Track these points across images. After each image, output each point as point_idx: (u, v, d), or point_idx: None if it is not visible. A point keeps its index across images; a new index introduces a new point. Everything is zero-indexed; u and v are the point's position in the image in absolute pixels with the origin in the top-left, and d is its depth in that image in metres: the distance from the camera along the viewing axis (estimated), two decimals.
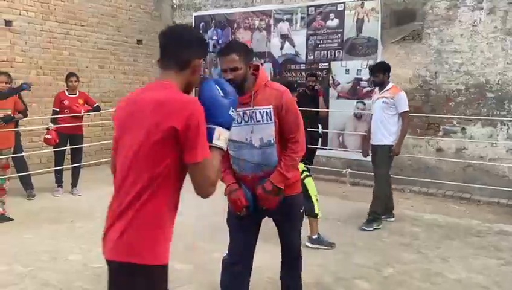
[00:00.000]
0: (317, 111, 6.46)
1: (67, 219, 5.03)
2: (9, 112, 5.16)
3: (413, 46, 7.02)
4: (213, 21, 9.12)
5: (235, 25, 8.82)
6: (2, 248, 4.10)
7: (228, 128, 1.72)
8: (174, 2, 9.80)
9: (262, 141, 2.47)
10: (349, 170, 6.74)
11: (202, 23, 9.25)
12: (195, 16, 9.34)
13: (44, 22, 7.48)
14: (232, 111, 1.73)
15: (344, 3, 7.45)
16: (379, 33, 7.20)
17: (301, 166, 4.08)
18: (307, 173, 4.28)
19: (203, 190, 1.62)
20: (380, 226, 4.92)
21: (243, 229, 2.61)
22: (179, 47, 1.71)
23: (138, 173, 1.59)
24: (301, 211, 2.74)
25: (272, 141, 2.47)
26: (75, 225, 4.86)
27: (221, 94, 1.73)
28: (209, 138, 1.66)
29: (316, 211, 4.25)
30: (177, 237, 4.61)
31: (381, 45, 7.20)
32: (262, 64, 8.33)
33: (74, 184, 6.33)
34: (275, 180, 2.45)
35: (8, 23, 6.95)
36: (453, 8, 6.72)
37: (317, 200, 4.28)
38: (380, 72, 5.03)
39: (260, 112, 2.44)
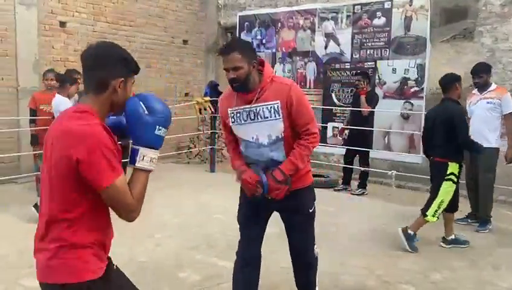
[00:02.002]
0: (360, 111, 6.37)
1: (113, 214, 5.18)
2: None
3: (464, 45, 6.75)
4: (257, 21, 9.15)
5: (279, 24, 8.80)
6: None
7: (155, 148, 1.63)
8: (220, 2, 9.91)
9: (270, 138, 2.43)
10: (395, 172, 6.56)
11: (246, 23, 9.30)
12: (239, 16, 9.41)
13: (95, 23, 7.76)
14: (159, 130, 1.62)
15: (392, 1, 7.28)
16: (428, 31, 6.98)
17: (453, 168, 4.04)
18: (453, 178, 4.14)
19: (122, 215, 1.58)
20: (491, 226, 4.92)
21: (250, 227, 2.66)
22: (93, 69, 1.62)
23: (51, 206, 1.57)
24: (311, 209, 2.59)
25: (280, 137, 2.42)
26: (120, 219, 4.99)
27: (146, 112, 1.62)
28: (132, 160, 1.61)
29: (429, 213, 4.21)
30: (218, 234, 4.70)
31: (430, 44, 6.98)
32: (305, 63, 8.29)
33: None
34: (285, 168, 2.39)
35: (62, 24, 7.27)
36: (508, 4, 6.41)
37: (439, 206, 4.18)
38: (484, 73, 4.95)
39: (268, 108, 2.38)
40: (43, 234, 1.60)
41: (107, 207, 1.62)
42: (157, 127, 1.62)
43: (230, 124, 2.53)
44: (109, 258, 1.75)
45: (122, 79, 1.62)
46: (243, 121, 2.44)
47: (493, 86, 4.97)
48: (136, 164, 1.61)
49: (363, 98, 6.36)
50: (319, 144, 2.62)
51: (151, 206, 5.54)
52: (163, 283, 3.42)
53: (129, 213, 1.58)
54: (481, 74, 4.94)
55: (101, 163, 1.48)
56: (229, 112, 2.51)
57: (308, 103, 2.49)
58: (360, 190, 6.50)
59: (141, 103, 1.63)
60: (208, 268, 3.72)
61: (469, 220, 5.19)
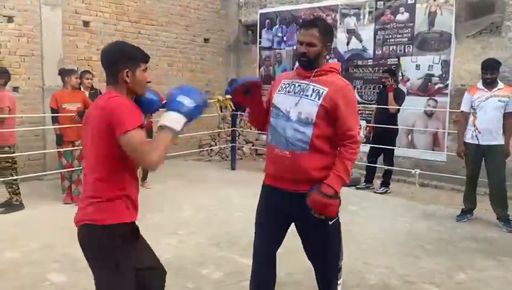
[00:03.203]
0: (387, 109, 6.27)
1: (138, 211, 5.25)
2: (79, 106, 5.57)
3: (491, 40, 6.59)
4: (278, 18, 9.13)
5: (300, 21, 8.76)
6: None
7: (179, 112, 1.89)
8: (240, 0, 9.91)
9: (299, 116, 2.32)
10: (418, 170, 6.47)
11: (267, 20, 9.29)
12: (260, 13, 9.40)
13: (118, 22, 7.86)
14: (182, 97, 1.91)
15: None
16: (453, 27, 6.85)
17: None
18: None
19: (139, 161, 1.86)
20: None
21: (266, 236, 2.57)
22: (106, 67, 2.00)
23: (89, 158, 1.97)
24: (331, 222, 2.37)
25: (310, 120, 2.30)
26: (145, 216, 5.06)
27: (178, 89, 1.98)
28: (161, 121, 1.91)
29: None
30: (240, 231, 4.71)
31: (455, 39, 6.84)
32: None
33: (144, 177, 6.60)
34: (334, 184, 2.26)
35: (85, 24, 7.38)
36: None
37: None
38: (497, 70, 4.89)
39: (314, 89, 2.33)
40: (83, 196, 1.98)
41: (132, 167, 1.98)
42: (180, 95, 1.93)
43: (275, 94, 2.49)
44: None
45: (127, 70, 1.95)
46: (287, 92, 2.42)
47: (501, 84, 4.89)
48: (158, 123, 1.89)
49: (391, 95, 6.23)
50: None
51: (175, 204, 5.61)
52: (186, 279, 3.45)
53: (144, 159, 1.81)
54: (495, 70, 4.85)
55: (123, 114, 1.82)
56: (282, 82, 2.49)
57: (356, 111, 2.39)
58: (383, 188, 6.43)
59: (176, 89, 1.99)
60: (230, 265, 3.73)
61: (468, 216, 5.12)
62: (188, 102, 1.90)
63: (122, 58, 1.96)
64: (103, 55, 2.00)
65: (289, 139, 2.35)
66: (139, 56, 2.02)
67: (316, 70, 2.36)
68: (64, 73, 5.77)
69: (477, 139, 4.90)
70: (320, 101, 2.29)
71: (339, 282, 2.57)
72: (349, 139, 2.31)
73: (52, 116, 5.71)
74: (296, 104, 2.35)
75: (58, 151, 5.73)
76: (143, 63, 2.03)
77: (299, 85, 2.39)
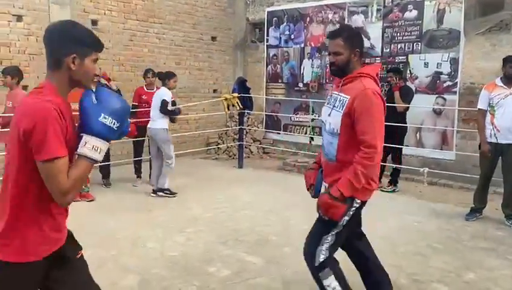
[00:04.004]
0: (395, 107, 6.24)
1: (146, 208, 5.28)
2: None
3: (501, 37, 6.53)
4: (285, 16, 9.11)
5: (308, 19, 8.74)
6: (89, 232, 4.39)
7: (100, 136, 1.62)
8: None
9: (330, 126, 2.47)
10: (427, 169, 6.42)
11: (275, 18, 9.28)
12: (268, 11, 9.39)
13: (126, 21, 7.89)
14: (105, 118, 1.61)
15: None
16: (462, 24, 6.80)
17: None
18: None
19: (55, 196, 1.57)
20: None
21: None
22: (49, 46, 1.67)
23: (10, 171, 1.62)
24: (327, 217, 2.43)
25: (335, 131, 2.42)
26: (152, 214, 5.09)
27: (94, 101, 1.64)
28: (76, 146, 1.62)
29: None
30: (247, 230, 4.71)
31: (464, 37, 6.78)
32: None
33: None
34: (340, 185, 2.32)
35: (94, 22, 7.41)
36: None
37: None
38: None
39: (340, 99, 2.43)
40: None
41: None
42: (102, 114, 1.62)
43: (325, 105, 2.63)
44: (69, 247, 1.78)
45: (74, 55, 1.63)
46: (327, 104, 2.56)
47: None
48: (78, 150, 1.62)
49: (397, 94, 6.21)
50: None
51: (182, 201, 5.63)
52: (193, 277, 3.46)
53: (60, 194, 1.56)
54: None
55: (44, 137, 1.50)
56: (329, 95, 2.65)
57: (377, 115, 2.34)
58: (391, 187, 6.40)
59: (93, 95, 1.67)
60: (237, 263, 3.73)
61: (477, 215, 5.05)
62: (111, 123, 1.63)
63: (70, 42, 1.64)
64: (48, 33, 1.66)
65: (325, 148, 2.52)
66: (93, 43, 1.70)
67: (344, 78, 2.45)
68: None
69: (496, 138, 4.78)
70: (343, 110, 2.38)
71: (326, 284, 2.48)
72: (362, 143, 2.32)
73: None
74: (329, 114, 2.48)
75: None
76: (95, 51, 1.71)
77: (333, 95, 2.52)
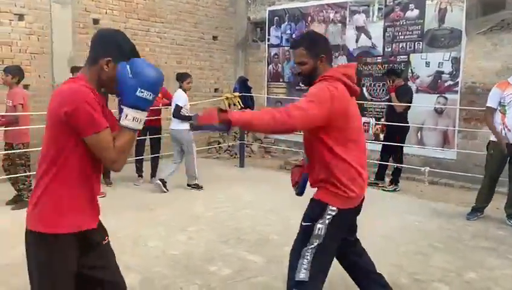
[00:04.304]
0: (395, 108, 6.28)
1: (147, 207, 5.28)
2: None
3: (502, 37, 6.53)
4: (287, 15, 9.11)
5: (309, 19, 8.74)
6: None
7: (139, 108, 1.76)
8: None
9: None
10: (428, 168, 6.43)
11: (276, 18, 9.28)
12: (269, 11, 9.39)
13: (127, 20, 7.89)
14: (141, 92, 1.74)
15: None
16: (463, 23, 6.79)
17: None
18: None
19: (106, 164, 1.77)
20: None
21: None
22: (92, 46, 1.85)
23: (46, 151, 1.78)
24: (304, 222, 2.29)
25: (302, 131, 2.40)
26: (154, 213, 5.10)
27: (130, 75, 1.75)
28: (119, 118, 1.78)
29: None
30: (249, 228, 4.71)
31: (466, 36, 6.78)
32: (336, 57, 8.18)
33: (153, 174, 6.64)
34: (236, 112, 2.07)
35: (95, 21, 7.42)
36: None
37: None
38: None
39: None
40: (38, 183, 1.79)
41: (92, 161, 1.78)
42: (139, 89, 1.74)
43: None
44: (97, 232, 1.90)
45: (109, 59, 1.79)
46: None
47: None
48: (120, 122, 1.77)
49: (392, 95, 6.32)
50: None
51: (183, 200, 5.63)
52: (195, 276, 3.46)
53: (109, 162, 1.75)
54: None
55: (85, 114, 1.67)
56: None
57: (316, 101, 2.12)
58: (392, 186, 6.40)
59: (128, 67, 1.77)
60: (238, 262, 3.74)
61: (478, 214, 5.04)
62: (147, 95, 1.76)
63: (109, 46, 1.82)
64: (93, 38, 1.87)
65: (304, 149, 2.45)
66: (130, 52, 1.85)
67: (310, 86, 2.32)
68: (73, 71, 5.83)
69: (507, 138, 4.70)
70: None
71: None
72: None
73: None
74: None
75: None
76: None
77: None
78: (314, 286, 2.24)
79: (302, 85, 2.52)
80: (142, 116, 1.78)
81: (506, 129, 4.72)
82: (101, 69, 1.81)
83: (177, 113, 5.95)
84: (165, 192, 5.99)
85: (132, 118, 1.76)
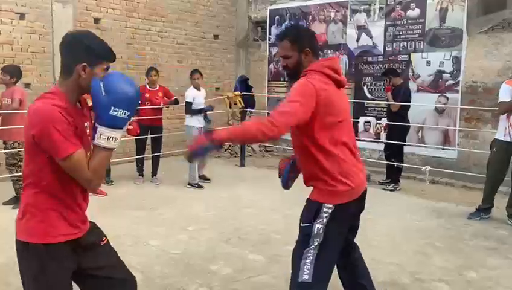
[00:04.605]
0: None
1: (148, 206, 5.29)
2: None
3: (503, 36, 6.52)
4: (288, 14, 9.10)
5: (310, 18, 8.73)
6: None
7: (114, 127, 1.70)
8: None
9: None
10: (429, 167, 6.43)
11: (277, 17, 9.27)
12: (270, 10, 9.38)
13: (128, 19, 7.89)
14: (115, 110, 1.68)
15: None
16: (465, 23, 6.79)
17: None
18: None
19: (82, 184, 1.75)
20: None
21: None
22: (62, 54, 1.78)
23: (26, 164, 1.77)
24: (303, 224, 2.25)
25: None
26: (154, 212, 5.10)
27: (103, 93, 1.68)
28: (92, 137, 1.74)
29: None
30: (250, 228, 4.71)
31: (467, 36, 6.77)
32: (337, 56, 8.18)
33: (154, 173, 6.64)
34: (219, 133, 2.09)
35: (96, 21, 7.42)
36: None
37: None
38: None
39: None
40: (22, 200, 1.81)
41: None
42: (113, 108, 1.68)
43: None
44: (93, 234, 1.92)
45: (85, 64, 1.72)
46: None
47: None
48: (94, 141, 1.73)
49: (388, 94, 6.41)
50: None
51: (184, 199, 5.64)
52: (196, 275, 3.47)
53: (84, 182, 1.73)
54: None
55: (52, 139, 1.62)
56: None
57: (294, 98, 2.11)
58: (392, 185, 6.40)
59: (101, 84, 1.70)
60: (239, 261, 3.74)
61: (482, 214, 5.02)
62: (122, 114, 1.70)
63: (81, 51, 1.73)
64: (60, 44, 1.78)
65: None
66: (103, 52, 1.77)
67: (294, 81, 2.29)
68: None
69: (510, 137, 4.68)
70: None
71: None
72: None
73: None
74: None
75: None
76: (106, 61, 1.79)
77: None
78: (318, 287, 2.22)
79: (289, 79, 2.44)
80: (117, 134, 1.73)
81: (510, 128, 4.70)
82: (78, 77, 1.73)
83: (186, 110, 6.37)
84: (202, 187, 6.31)
85: (107, 137, 1.70)
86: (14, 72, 5.21)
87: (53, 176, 1.72)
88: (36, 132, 1.63)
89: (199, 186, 6.28)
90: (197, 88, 6.46)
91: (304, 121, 2.12)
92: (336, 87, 2.27)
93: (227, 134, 2.08)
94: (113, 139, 1.72)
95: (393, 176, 6.45)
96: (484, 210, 5.04)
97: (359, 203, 2.35)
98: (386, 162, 6.60)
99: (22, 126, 5.30)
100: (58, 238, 1.75)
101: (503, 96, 4.73)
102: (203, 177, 6.58)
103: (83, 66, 1.72)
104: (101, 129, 1.70)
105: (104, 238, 1.98)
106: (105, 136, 1.70)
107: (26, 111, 5.27)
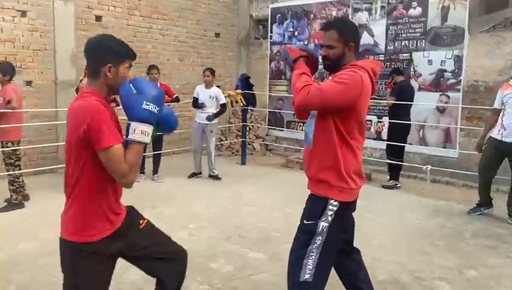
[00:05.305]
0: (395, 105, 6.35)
1: (149, 204, 5.29)
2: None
3: (505, 35, 6.51)
4: (289, 12, 9.09)
5: (312, 16, 8.73)
6: None
7: (146, 121, 1.83)
8: None
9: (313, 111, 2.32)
10: (430, 166, 6.42)
11: (278, 15, 9.27)
12: (271, 8, 9.38)
13: (129, 17, 7.89)
14: (147, 104, 1.82)
15: None
16: (466, 21, 6.77)
17: None
18: None
19: (116, 179, 1.84)
20: None
21: None
22: (88, 59, 1.94)
23: (70, 166, 1.88)
24: (306, 221, 2.25)
25: (314, 114, 2.27)
26: (155, 209, 5.11)
27: (134, 91, 1.84)
28: (127, 133, 1.85)
29: None
30: (250, 226, 4.71)
31: (469, 34, 6.76)
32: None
33: (155, 171, 6.65)
34: (299, 65, 2.31)
35: (98, 18, 7.43)
36: None
37: None
38: None
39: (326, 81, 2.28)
40: (66, 197, 1.92)
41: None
42: (144, 102, 1.82)
43: None
44: (131, 218, 2.09)
45: (110, 65, 1.89)
46: None
47: None
48: (129, 136, 1.83)
49: (387, 91, 6.55)
50: None
51: (185, 197, 5.64)
52: (196, 273, 3.47)
53: (120, 176, 1.81)
54: None
55: (98, 130, 1.75)
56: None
57: (343, 84, 2.11)
58: (392, 181, 6.43)
59: (131, 85, 1.86)
60: (240, 259, 3.75)
61: (482, 209, 5.09)
62: (152, 108, 1.85)
63: (105, 53, 1.90)
64: (85, 50, 1.94)
65: (306, 134, 2.35)
66: (124, 52, 1.95)
67: (335, 72, 2.27)
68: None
69: (501, 136, 4.80)
70: None
71: None
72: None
73: None
74: None
75: None
76: (128, 59, 1.97)
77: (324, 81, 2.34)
78: (318, 286, 2.21)
79: (325, 70, 2.39)
80: (149, 129, 1.84)
81: (502, 128, 4.81)
82: (105, 78, 1.90)
83: (193, 104, 6.75)
84: (220, 179, 6.62)
85: (140, 132, 1.82)
86: (7, 70, 5.07)
87: (97, 174, 1.83)
88: (87, 125, 1.74)
89: (217, 178, 6.62)
90: (207, 85, 6.64)
91: (340, 106, 2.14)
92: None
93: (299, 71, 2.25)
94: (146, 134, 1.84)
95: (393, 173, 6.46)
96: (484, 205, 5.09)
97: (355, 203, 2.37)
98: (387, 161, 6.60)
99: (17, 125, 5.17)
100: (96, 236, 1.88)
101: (495, 103, 4.98)
102: (193, 174, 6.80)
103: (108, 67, 1.88)
104: (134, 124, 1.82)
105: (142, 221, 2.16)
106: (138, 131, 1.82)
107: (21, 110, 5.30)
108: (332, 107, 2.14)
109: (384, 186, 6.37)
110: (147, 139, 1.85)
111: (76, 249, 1.88)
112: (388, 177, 6.55)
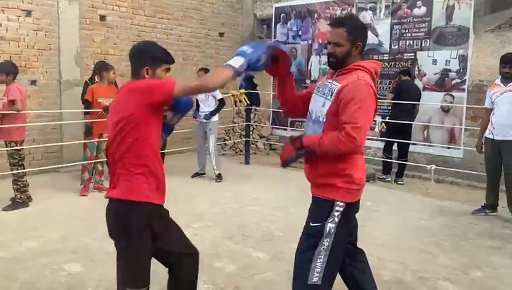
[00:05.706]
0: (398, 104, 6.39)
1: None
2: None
3: (510, 35, 6.48)
4: (293, 12, 9.09)
5: (316, 15, 8.72)
6: (95, 227, 4.43)
7: (242, 56, 2.05)
8: None
9: (315, 115, 2.28)
10: (434, 166, 6.40)
11: (282, 15, 9.26)
12: (275, 7, 9.37)
13: (134, 16, 7.91)
14: (249, 51, 2.07)
15: None
16: (471, 21, 6.74)
17: None
18: None
19: (200, 90, 2.15)
20: None
21: None
22: (131, 62, 2.21)
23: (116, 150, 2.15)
24: (313, 224, 2.22)
25: (321, 120, 2.22)
26: None
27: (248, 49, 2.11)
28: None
29: None
30: (254, 225, 4.71)
31: (474, 34, 6.73)
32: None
33: None
34: (306, 138, 2.20)
35: (102, 18, 7.44)
36: None
37: None
38: None
39: (330, 87, 2.23)
40: (112, 170, 2.21)
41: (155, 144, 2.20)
42: (244, 46, 2.13)
43: (314, 92, 2.39)
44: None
45: (147, 68, 2.15)
46: (318, 91, 2.33)
47: None
48: (229, 62, 2.06)
49: (391, 89, 6.62)
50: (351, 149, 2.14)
51: (189, 197, 5.65)
52: (200, 271, 3.45)
53: (201, 84, 2.11)
54: None
55: (159, 84, 2.04)
56: (318, 83, 2.41)
57: (364, 107, 2.11)
58: (388, 176, 6.58)
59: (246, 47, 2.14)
60: (244, 258, 3.75)
61: (487, 211, 5.09)
62: (248, 50, 2.07)
63: (143, 57, 2.16)
64: (129, 53, 2.22)
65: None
66: (162, 57, 2.21)
67: (340, 70, 2.25)
68: (102, 68, 5.80)
69: (493, 134, 4.89)
70: (331, 99, 2.19)
71: None
72: (342, 129, 2.09)
73: (84, 108, 5.82)
74: (316, 103, 2.30)
75: (84, 143, 5.79)
76: (165, 64, 2.21)
77: (325, 84, 2.31)
78: (325, 289, 2.20)
79: (329, 67, 2.36)
80: (241, 60, 2.04)
81: (492, 126, 4.89)
82: (144, 78, 2.15)
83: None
84: (221, 178, 6.61)
85: (235, 61, 2.03)
86: (10, 70, 5.06)
87: (147, 141, 2.12)
88: (144, 91, 2.02)
89: (219, 177, 6.60)
90: None
91: (370, 123, 2.23)
92: None
93: (309, 143, 2.21)
94: (238, 62, 2.04)
95: (385, 168, 6.61)
96: (489, 207, 5.08)
97: (359, 203, 2.35)
98: (392, 161, 6.59)
99: (20, 125, 5.20)
100: (151, 198, 2.20)
101: (485, 102, 5.11)
102: (196, 174, 6.84)
103: (146, 70, 2.15)
104: (235, 58, 2.06)
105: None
106: (234, 60, 2.03)
107: (28, 111, 5.32)
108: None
109: (378, 179, 6.47)
110: (236, 64, 2.02)
111: (137, 207, 2.18)
112: (402, 178, 6.65)
